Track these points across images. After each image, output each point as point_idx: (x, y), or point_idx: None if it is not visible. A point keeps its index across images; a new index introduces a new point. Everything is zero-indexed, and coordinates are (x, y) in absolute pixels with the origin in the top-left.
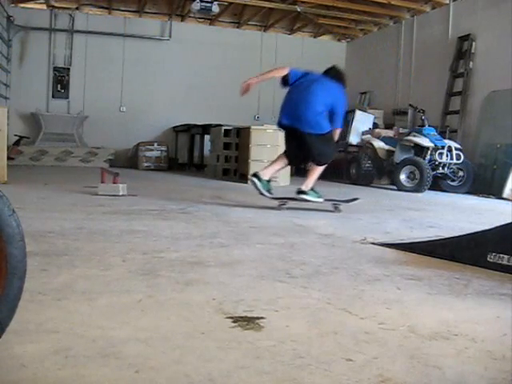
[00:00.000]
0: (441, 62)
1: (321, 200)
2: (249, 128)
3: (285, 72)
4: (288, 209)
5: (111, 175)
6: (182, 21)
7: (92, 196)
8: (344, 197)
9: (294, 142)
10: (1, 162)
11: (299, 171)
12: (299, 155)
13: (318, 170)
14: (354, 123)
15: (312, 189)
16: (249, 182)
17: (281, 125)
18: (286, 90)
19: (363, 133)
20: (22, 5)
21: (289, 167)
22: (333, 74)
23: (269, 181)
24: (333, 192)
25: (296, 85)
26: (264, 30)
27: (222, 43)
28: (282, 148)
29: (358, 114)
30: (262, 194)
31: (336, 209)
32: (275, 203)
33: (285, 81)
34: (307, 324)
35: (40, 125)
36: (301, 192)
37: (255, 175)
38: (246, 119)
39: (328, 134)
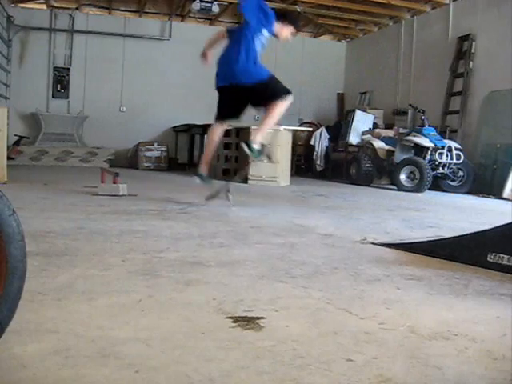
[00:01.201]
0: (441, 62)
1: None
2: (249, 128)
3: (222, 32)
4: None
5: (111, 175)
6: (181, 21)
7: (92, 196)
8: (341, 196)
9: (235, 99)
10: (1, 162)
11: (299, 171)
12: (233, 110)
13: (279, 110)
14: (353, 123)
15: (261, 144)
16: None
17: (218, 89)
18: None
19: (363, 133)
20: (22, 5)
21: (289, 165)
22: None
23: (209, 176)
24: (333, 192)
25: (228, 44)
26: None
27: (221, 43)
28: (281, 148)
29: (358, 113)
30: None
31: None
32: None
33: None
34: (307, 324)
35: (40, 125)
36: (247, 144)
37: (198, 175)
38: (246, 119)
39: (269, 78)
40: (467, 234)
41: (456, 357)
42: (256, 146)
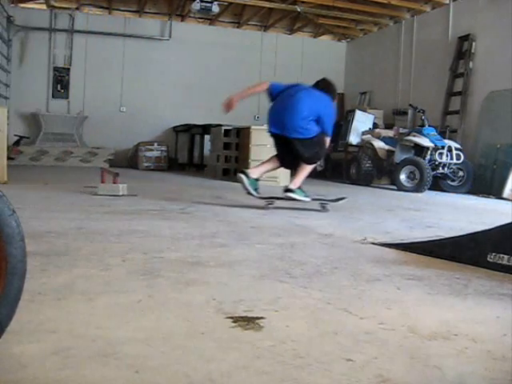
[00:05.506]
0: (441, 61)
1: (308, 199)
2: (249, 128)
3: (265, 86)
4: (275, 208)
5: (111, 175)
6: (182, 21)
7: (92, 196)
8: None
9: (283, 147)
10: (1, 162)
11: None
12: (289, 159)
13: (307, 169)
14: (354, 123)
15: (299, 188)
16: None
17: (270, 133)
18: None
19: (363, 133)
20: (22, 5)
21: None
22: (322, 85)
23: (257, 180)
24: (333, 192)
25: (281, 94)
26: (264, 30)
27: (221, 43)
28: None
29: (358, 113)
30: (248, 192)
31: (323, 208)
32: (262, 202)
33: (270, 95)
34: (307, 324)
35: (40, 125)
36: (288, 190)
37: (243, 172)
38: (246, 119)
39: (316, 137)
40: (467, 234)
41: (456, 357)
42: (254, 176)
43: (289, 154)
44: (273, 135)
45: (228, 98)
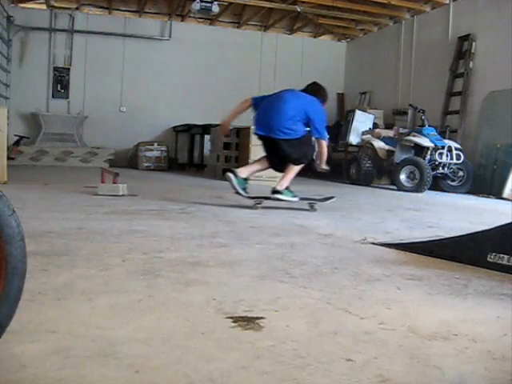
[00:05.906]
0: (441, 61)
1: (296, 199)
2: (249, 128)
3: (248, 103)
4: (263, 208)
5: (111, 175)
6: (182, 21)
7: (92, 196)
8: (341, 196)
9: (271, 149)
10: (1, 162)
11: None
12: (278, 160)
13: (295, 170)
14: (353, 123)
15: (287, 188)
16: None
17: (256, 135)
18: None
19: (363, 133)
20: (22, 5)
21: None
22: (311, 88)
23: (245, 179)
24: (332, 192)
25: (267, 98)
26: (264, 30)
27: (221, 43)
28: None
29: (358, 113)
30: (237, 192)
31: (312, 208)
32: (251, 202)
33: (255, 107)
34: (307, 324)
35: (40, 125)
36: (276, 192)
37: (232, 171)
38: (245, 119)
39: (303, 137)
40: (467, 234)
41: (456, 357)
42: (243, 176)
43: (277, 156)
44: (260, 137)
45: (220, 124)
